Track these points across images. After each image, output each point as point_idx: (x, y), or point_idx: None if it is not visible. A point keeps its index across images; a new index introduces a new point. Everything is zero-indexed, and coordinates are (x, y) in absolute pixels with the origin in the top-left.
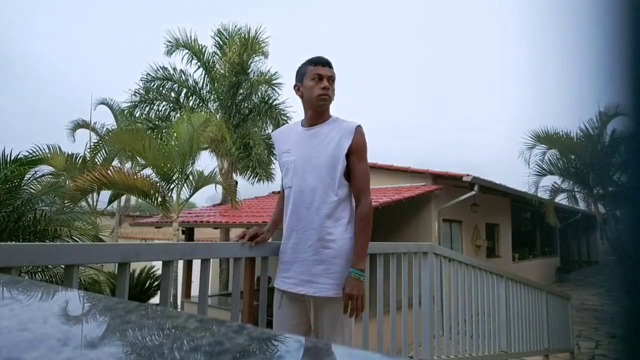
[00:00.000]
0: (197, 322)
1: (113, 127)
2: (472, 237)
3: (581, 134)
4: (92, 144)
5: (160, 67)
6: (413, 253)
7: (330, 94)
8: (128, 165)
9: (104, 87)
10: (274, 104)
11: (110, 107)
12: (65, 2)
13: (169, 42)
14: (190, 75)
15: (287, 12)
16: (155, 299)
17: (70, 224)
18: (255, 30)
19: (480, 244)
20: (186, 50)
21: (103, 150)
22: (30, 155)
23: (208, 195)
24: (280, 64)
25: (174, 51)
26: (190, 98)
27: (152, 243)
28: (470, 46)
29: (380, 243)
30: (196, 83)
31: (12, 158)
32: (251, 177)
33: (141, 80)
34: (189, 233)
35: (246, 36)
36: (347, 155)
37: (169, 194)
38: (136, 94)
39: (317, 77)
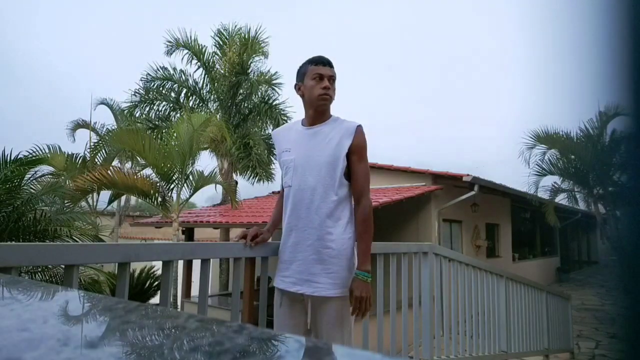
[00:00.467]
0: (197, 322)
1: (113, 127)
2: (472, 237)
3: (581, 134)
4: (92, 144)
5: (160, 67)
6: (413, 253)
7: (331, 94)
8: (128, 165)
9: (104, 87)
10: (274, 104)
11: (110, 107)
12: (65, 2)
13: (169, 42)
14: (190, 75)
15: (287, 12)
16: (155, 299)
17: (70, 224)
18: (255, 30)
19: (480, 244)
20: (186, 50)
21: (103, 150)
22: (30, 155)
23: (208, 195)
24: (280, 64)
25: (174, 51)
26: (190, 98)
27: (152, 243)
28: (469, 46)
29: (380, 243)
30: (196, 83)
31: (12, 158)
32: (251, 177)
33: (141, 80)
34: (189, 233)
35: (246, 36)
36: (348, 155)
37: (169, 194)
38: (136, 94)
39: (318, 77)
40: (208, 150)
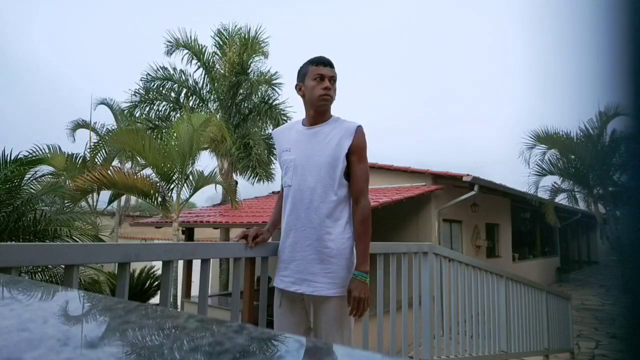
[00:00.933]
0: (197, 322)
1: (113, 127)
2: (472, 237)
3: (581, 134)
4: (92, 144)
5: (160, 67)
6: (413, 253)
7: (331, 94)
8: (128, 165)
9: (104, 87)
10: (274, 104)
11: (110, 107)
12: (65, 2)
13: (169, 42)
14: (190, 75)
15: (288, 12)
16: (155, 299)
17: (70, 224)
18: (255, 30)
19: (480, 244)
20: (186, 50)
21: (103, 150)
22: (30, 155)
23: (208, 195)
24: (280, 64)
25: (174, 51)
26: (190, 98)
27: (152, 243)
28: (469, 45)
29: (380, 243)
30: (196, 83)
31: (12, 158)
32: (251, 177)
33: (141, 80)
34: (189, 233)
35: (246, 36)
36: (347, 155)
37: (169, 194)
38: (136, 94)
39: (318, 77)
40: (208, 150)
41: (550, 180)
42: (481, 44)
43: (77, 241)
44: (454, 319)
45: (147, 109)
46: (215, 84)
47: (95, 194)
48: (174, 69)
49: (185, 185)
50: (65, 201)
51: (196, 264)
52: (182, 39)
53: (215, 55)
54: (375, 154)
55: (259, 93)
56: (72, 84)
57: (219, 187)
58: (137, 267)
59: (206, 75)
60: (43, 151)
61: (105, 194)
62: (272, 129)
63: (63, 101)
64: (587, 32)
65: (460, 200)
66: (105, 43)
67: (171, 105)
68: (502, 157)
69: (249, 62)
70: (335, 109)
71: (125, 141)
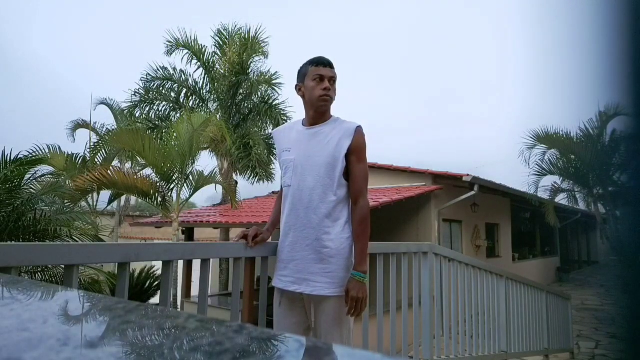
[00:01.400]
0: (197, 322)
1: (113, 127)
2: (472, 237)
3: (581, 134)
4: (92, 144)
5: (160, 67)
6: (413, 253)
7: (331, 95)
8: (128, 165)
9: (104, 87)
10: (274, 104)
11: (110, 107)
12: (65, 2)
13: (169, 42)
14: (190, 75)
15: (288, 12)
16: (155, 299)
17: (70, 224)
18: (255, 30)
19: (480, 244)
20: (186, 50)
21: (103, 150)
22: (30, 155)
23: (208, 195)
24: (281, 64)
25: (174, 51)
26: (190, 98)
27: (152, 243)
28: (469, 45)
29: (380, 243)
30: (196, 83)
31: (12, 158)
32: (251, 177)
33: (141, 80)
34: (189, 233)
35: (246, 36)
36: (347, 156)
37: (169, 194)
38: (136, 94)
39: (318, 78)
40: (208, 150)
41: (550, 180)
42: (481, 44)
43: (77, 241)
44: (454, 319)
45: (147, 109)
46: (215, 84)
47: (95, 194)
48: (174, 69)
49: (185, 185)
50: (65, 201)
51: (196, 264)
52: (182, 39)
53: (215, 55)
54: (375, 154)
55: (259, 93)
56: (72, 84)
57: (219, 187)
58: (137, 267)
59: (206, 75)
60: (43, 151)
61: (105, 194)
62: (272, 129)
63: (63, 101)
64: (587, 33)
65: (460, 200)
66: (105, 43)
67: (171, 105)
68: (502, 157)
69: (249, 62)
70: (335, 109)
71: (125, 141)
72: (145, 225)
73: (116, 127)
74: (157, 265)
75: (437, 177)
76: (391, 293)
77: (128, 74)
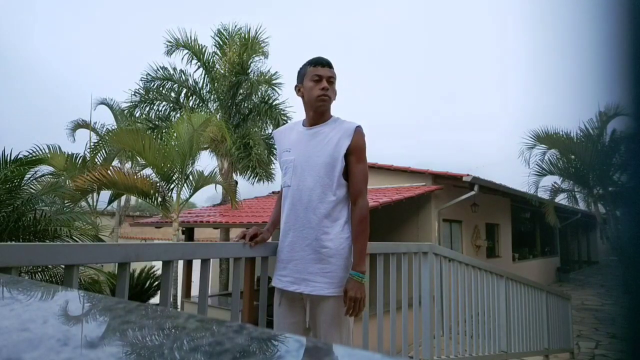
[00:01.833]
0: (197, 322)
1: (113, 127)
2: (472, 237)
3: (581, 134)
4: (92, 144)
5: (160, 67)
6: (413, 253)
7: (329, 95)
8: (128, 165)
9: (104, 87)
10: (274, 104)
11: (110, 107)
12: (65, 2)
13: (169, 42)
14: (190, 75)
15: (288, 12)
16: (155, 299)
17: (70, 224)
18: (255, 30)
19: (480, 244)
20: (186, 50)
21: (103, 150)
22: (30, 155)
23: (208, 195)
24: (281, 63)
25: (174, 51)
26: (190, 98)
27: (152, 243)
28: (469, 46)
29: (380, 243)
30: (196, 83)
31: (12, 158)
32: (251, 177)
33: (141, 80)
34: (189, 233)
35: (246, 36)
36: (346, 156)
37: (169, 194)
38: (136, 94)
39: (316, 78)
40: (208, 150)
41: (550, 180)
42: (482, 44)
43: (77, 241)
44: (454, 319)
45: (147, 109)
46: (215, 84)
47: (95, 194)
48: (174, 69)
49: (185, 185)
50: (65, 201)
51: (196, 264)
52: (182, 39)
53: (215, 55)
54: (375, 154)
55: (259, 93)
56: (72, 83)
57: (219, 187)
58: (137, 267)
59: (206, 75)
60: (43, 151)
61: (105, 194)
62: (272, 129)
63: (63, 101)
64: (587, 32)
65: (460, 200)
66: (106, 43)
67: (171, 105)
68: (502, 157)
69: (249, 62)
70: (335, 110)
71: (125, 141)
72: (145, 225)
73: (116, 127)
74: (157, 265)
75: (437, 177)
76: (391, 293)
77: (128, 74)
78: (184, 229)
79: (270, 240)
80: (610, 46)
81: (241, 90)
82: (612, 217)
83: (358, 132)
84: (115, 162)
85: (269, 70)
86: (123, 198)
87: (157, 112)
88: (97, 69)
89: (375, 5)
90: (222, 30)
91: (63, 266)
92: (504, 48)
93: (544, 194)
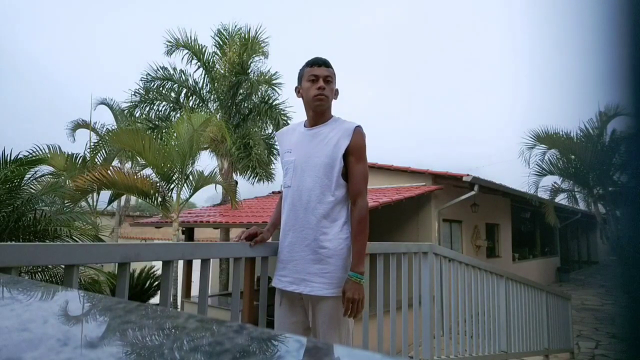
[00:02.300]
0: (197, 322)
1: (113, 127)
2: (472, 237)
3: (581, 134)
4: (92, 144)
5: (160, 67)
6: (413, 253)
7: (326, 94)
8: (128, 165)
9: (104, 87)
10: (274, 104)
11: (110, 107)
12: (66, 2)
13: (169, 42)
14: (190, 75)
15: (289, 12)
16: (155, 299)
17: (70, 224)
18: (255, 30)
19: (480, 244)
20: (186, 50)
21: (103, 150)
22: (30, 155)
23: (208, 195)
24: (282, 63)
25: (174, 51)
26: (190, 98)
27: (152, 243)
28: (470, 46)
29: (380, 243)
30: (196, 83)
31: (12, 158)
32: (251, 177)
33: (141, 80)
34: (189, 233)
35: (246, 36)
36: (346, 156)
37: (169, 194)
38: (136, 94)
39: (313, 78)
40: (208, 150)
41: (550, 180)
42: (483, 44)
43: (77, 241)
44: (454, 319)
45: (147, 109)
46: (215, 84)
47: (95, 194)
48: (174, 69)
49: (185, 185)
50: (65, 201)
51: (196, 264)
52: (182, 39)
53: (215, 55)
54: (375, 154)
55: (259, 93)
56: (72, 83)
57: (219, 187)
58: (137, 267)
59: (206, 75)
60: (43, 151)
61: (105, 194)
62: (272, 129)
63: (63, 101)
64: (587, 32)
65: (460, 200)
66: (106, 43)
67: (171, 105)
68: (502, 157)
69: (249, 62)
70: (336, 110)
71: (125, 141)
72: (145, 225)
73: (116, 127)
74: (157, 265)
75: (437, 177)
76: (391, 293)
77: (128, 74)
78: (184, 229)
79: (270, 240)
80: (610, 46)
81: (241, 90)
82: (612, 217)
83: (357, 132)
84: (115, 162)
85: (269, 70)
86: (123, 198)
87: (157, 112)
88: (97, 69)
89: (380, 5)
90: (222, 30)
91: (63, 266)
92: (506, 48)
93: (544, 194)
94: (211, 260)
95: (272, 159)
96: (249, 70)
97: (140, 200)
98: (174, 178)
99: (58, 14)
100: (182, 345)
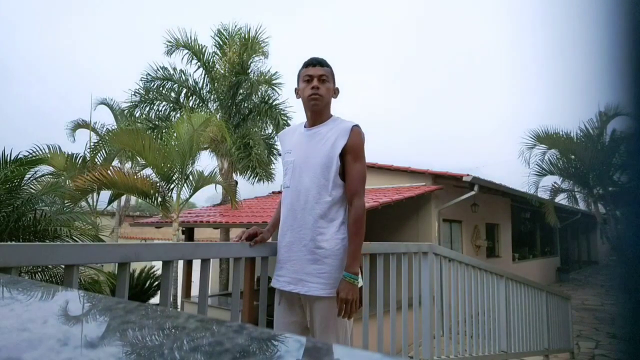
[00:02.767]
0: (197, 322)
1: (113, 127)
2: (472, 237)
3: (581, 134)
4: (92, 144)
5: (160, 67)
6: (413, 253)
7: (321, 93)
8: (128, 165)
9: (104, 87)
10: (274, 104)
11: (110, 107)
12: (67, 2)
13: (169, 42)
14: (190, 75)
15: (289, 12)
16: (155, 299)
17: (70, 224)
18: (255, 30)
19: (480, 244)
20: (186, 50)
21: (103, 150)
22: (30, 155)
23: (208, 195)
24: (282, 63)
25: (174, 51)
26: (190, 98)
27: (152, 243)
28: (470, 46)
29: (380, 243)
30: (196, 83)
31: (12, 158)
32: (251, 177)
33: (141, 80)
34: (189, 233)
35: (246, 36)
36: (343, 155)
37: (169, 194)
38: (136, 94)
39: (307, 78)
40: (208, 150)
41: (550, 180)
42: (483, 44)
43: (77, 241)
44: (454, 319)
45: (147, 109)
46: (215, 84)
47: (95, 194)
48: (174, 69)
49: (185, 185)
50: (65, 201)
51: (196, 264)
52: (182, 39)
53: (215, 55)
54: (375, 154)
55: (259, 93)
56: (72, 84)
57: (219, 187)
58: (137, 267)
59: (206, 75)
60: (43, 151)
61: (105, 194)
62: (272, 129)
63: (63, 101)
64: (587, 33)
65: (460, 200)
66: (106, 43)
67: (171, 105)
68: (502, 157)
69: (249, 62)
70: (337, 109)
71: (125, 141)
72: (145, 225)
73: (116, 127)
74: (157, 265)
75: (437, 177)
76: (391, 293)
77: (128, 74)
78: (184, 229)
79: (270, 240)
80: (610, 46)
81: (241, 90)
82: (612, 217)
83: (354, 132)
84: (115, 162)
85: (269, 70)
86: (123, 198)
87: (157, 112)
88: (97, 69)
89: (381, 3)
90: (222, 30)
91: (63, 266)
92: (506, 48)
93: (544, 194)
94: (211, 260)
95: (272, 159)
96: (249, 70)
97: (140, 200)
98: (174, 178)
99: (58, 14)
100: (182, 345)
